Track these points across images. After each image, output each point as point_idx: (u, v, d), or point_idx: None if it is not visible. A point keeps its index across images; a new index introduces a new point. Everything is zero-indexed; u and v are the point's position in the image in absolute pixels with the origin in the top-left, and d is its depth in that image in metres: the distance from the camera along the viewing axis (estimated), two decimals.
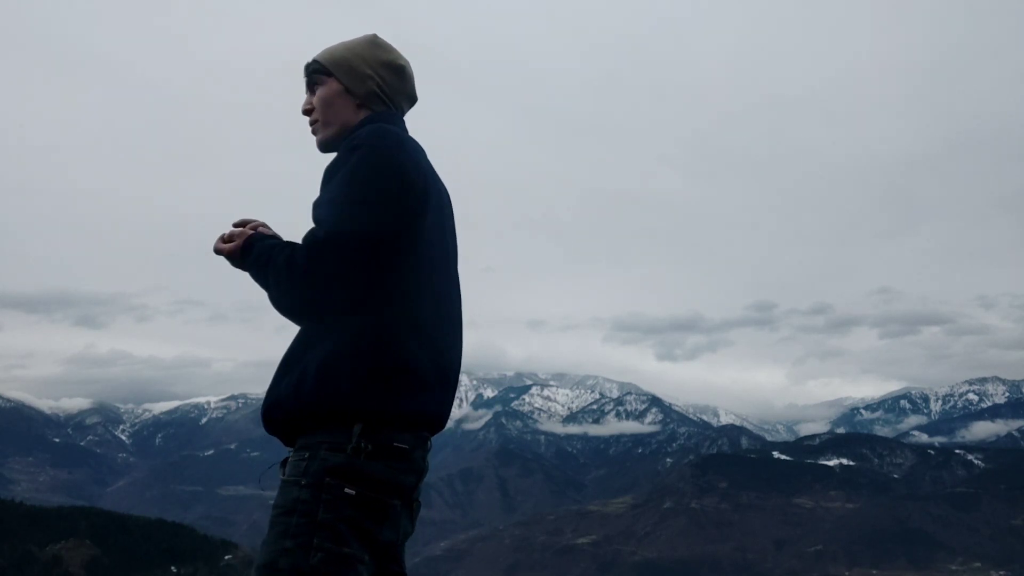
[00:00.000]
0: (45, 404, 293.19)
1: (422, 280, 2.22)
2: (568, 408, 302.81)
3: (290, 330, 2.30)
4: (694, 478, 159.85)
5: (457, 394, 2.40)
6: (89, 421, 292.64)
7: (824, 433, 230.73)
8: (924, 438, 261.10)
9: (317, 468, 2.07)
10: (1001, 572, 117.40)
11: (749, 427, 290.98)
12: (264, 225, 2.33)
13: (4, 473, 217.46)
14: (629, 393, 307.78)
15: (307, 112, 2.40)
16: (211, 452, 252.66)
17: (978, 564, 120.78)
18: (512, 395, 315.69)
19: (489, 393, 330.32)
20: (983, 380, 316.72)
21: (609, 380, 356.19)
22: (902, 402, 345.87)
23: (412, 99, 2.46)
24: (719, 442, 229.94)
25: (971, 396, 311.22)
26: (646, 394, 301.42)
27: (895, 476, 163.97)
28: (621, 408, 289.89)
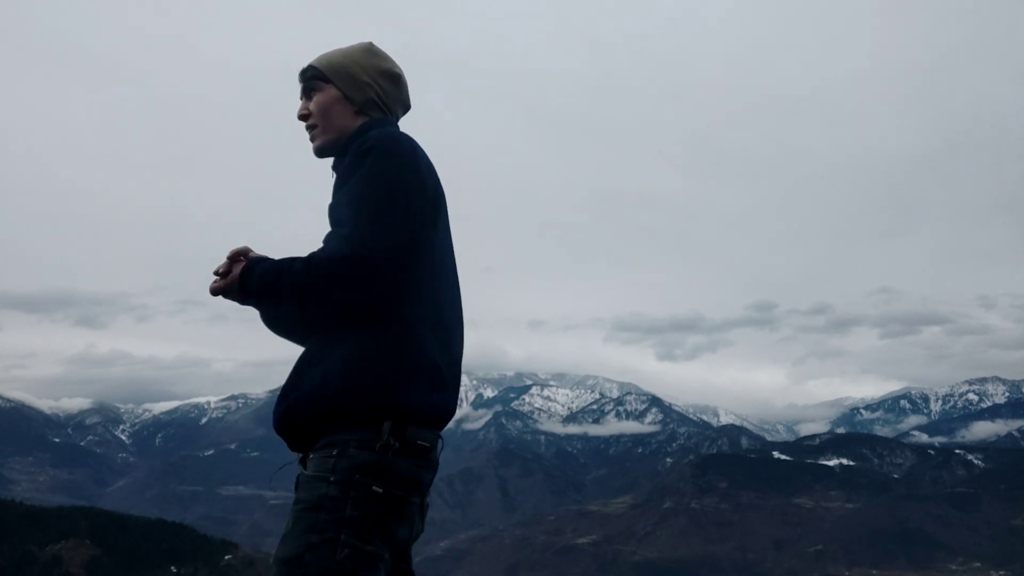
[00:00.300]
0: (45, 404, 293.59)
1: (439, 280, 2.29)
2: (568, 408, 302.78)
3: None
4: (694, 478, 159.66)
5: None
6: (89, 421, 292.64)
7: (824, 433, 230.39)
8: (924, 438, 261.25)
9: (347, 465, 2.09)
10: (1001, 572, 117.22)
11: (749, 427, 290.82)
12: (249, 250, 2.29)
13: (4, 473, 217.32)
14: (629, 393, 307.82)
15: (303, 117, 2.44)
16: (211, 452, 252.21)
17: (978, 564, 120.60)
18: (512, 395, 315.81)
19: (489, 393, 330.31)
20: (983, 380, 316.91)
21: (609, 380, 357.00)
22: (902, 402, 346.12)
23: (406, 107, 2.52)
24: (719, 442, 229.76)
25: (971, 396, 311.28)
26: (646, 394, 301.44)
27: (895, 476, 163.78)
28: (621, 408, 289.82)
